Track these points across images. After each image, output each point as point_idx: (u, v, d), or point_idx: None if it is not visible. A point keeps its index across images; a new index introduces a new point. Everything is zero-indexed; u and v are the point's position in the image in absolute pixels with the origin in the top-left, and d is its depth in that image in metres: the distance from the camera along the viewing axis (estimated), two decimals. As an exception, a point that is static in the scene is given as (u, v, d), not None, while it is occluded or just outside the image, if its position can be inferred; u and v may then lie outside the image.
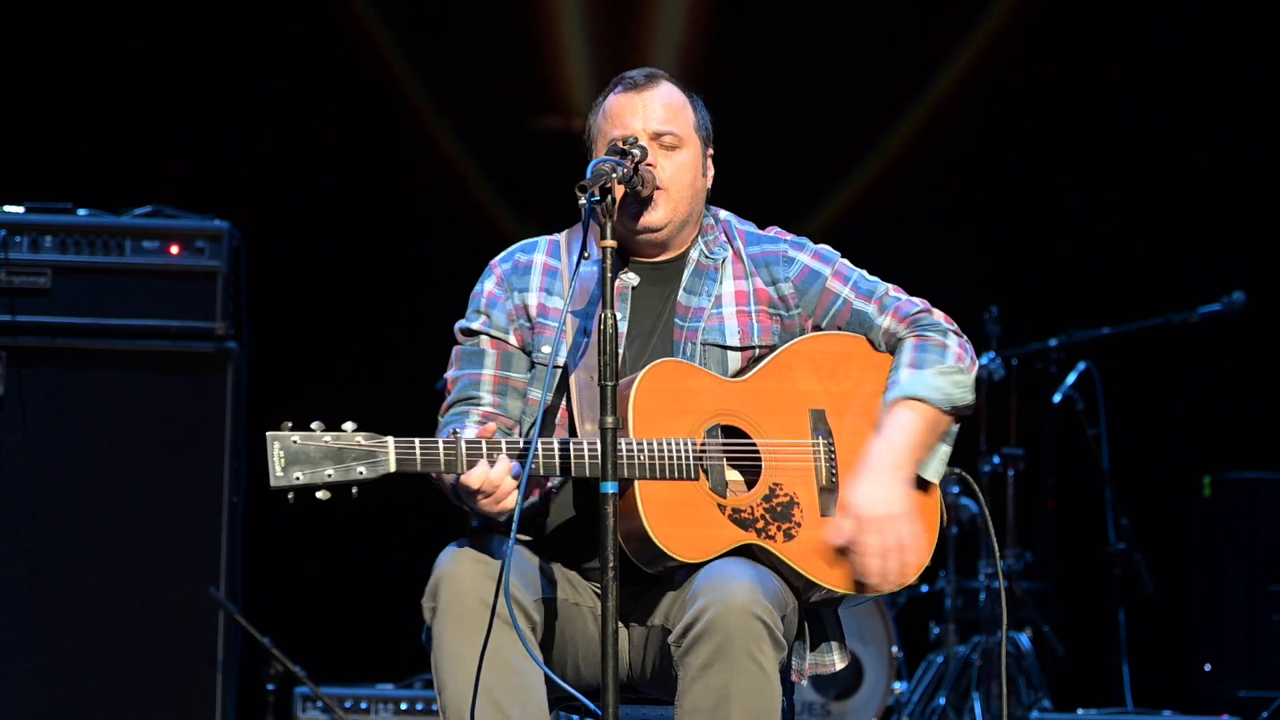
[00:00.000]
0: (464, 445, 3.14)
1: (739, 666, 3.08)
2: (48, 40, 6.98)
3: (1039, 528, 7.11)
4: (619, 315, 3.31)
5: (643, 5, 7.54)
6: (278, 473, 3.04)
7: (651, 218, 3.39)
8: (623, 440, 3.18)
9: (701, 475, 3.25)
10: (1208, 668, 6.90)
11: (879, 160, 7.63)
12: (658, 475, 3.20)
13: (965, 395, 3.37)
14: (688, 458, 3.23)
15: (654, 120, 3.40)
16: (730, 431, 3.32)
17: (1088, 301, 7.38)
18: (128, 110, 6.96)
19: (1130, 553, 6.90)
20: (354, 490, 3.08)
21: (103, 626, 5.32)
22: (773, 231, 3.55)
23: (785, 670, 3.31)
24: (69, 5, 7.00)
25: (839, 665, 3.42)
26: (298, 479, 3.05)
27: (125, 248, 5.45)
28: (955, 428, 3.39)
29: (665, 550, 3.17)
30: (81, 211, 5.51)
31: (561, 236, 3.54)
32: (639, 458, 3.19)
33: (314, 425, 3.07)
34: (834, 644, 3.43)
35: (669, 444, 3.22)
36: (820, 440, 3.34)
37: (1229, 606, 6.87)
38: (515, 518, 3.12)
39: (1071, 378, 6.93)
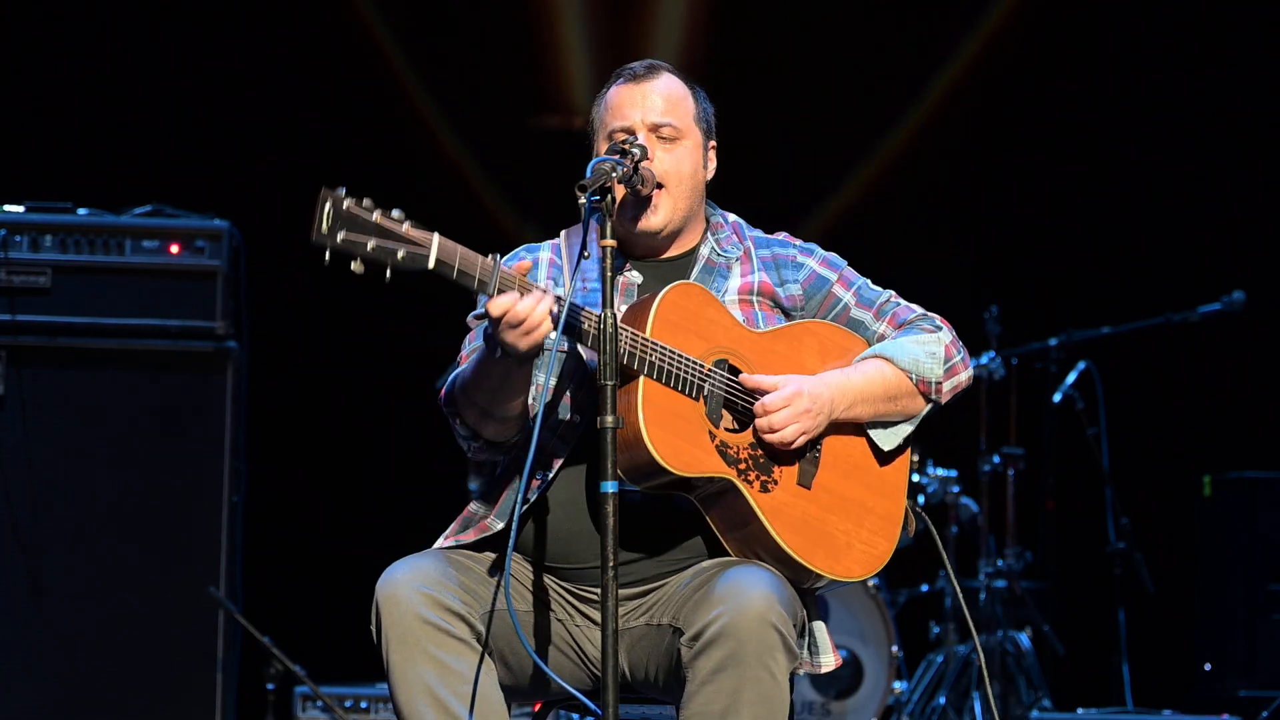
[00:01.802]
0: (500, 269, 3.08)
1: (751, 674, 3.07)
2: (47, 40, 6.98)
3: (1039, 528, 7.11)
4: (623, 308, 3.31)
5: (643, 5, 7.54)
6: (322, 229, 2.95)
7: (651, 221, 3.39)
8: (640, 334, 3.18)
9: (701, 399, 3.25)
10: (1208, 667, 6.90)
11: (879, 159, 7.64)
12: (663, 379, 3.19)
13: (934, 368, 3.40)
14: (695, 375, 3.23)
15: (653, 112, 3.39)
16: (733, 372, 3.33)
17: (1088, 301, 7.38)
18: (128, 110, 6.96)
19: (1130, 552, 6.90)
20: (388, 274, 3.00)
21: (103, 626, 5.32)
22: (782, 236, 3.57)
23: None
24: (69, 5, 7.00)
25: (826, 668, 3.38)
26: (341, 239, 2.96)
27: (125, 247, 5.45)
28: (924, 410, 3.43)
29: (651, 449, 3.12)
30: (81, 211, 5.51)
31: (562, 235, 3.54)
32: (651, 355, 3.18)
33: (365, 201, 2.99)
34: (820, 648, 3.39)
35: (681, 355, 3.22)
36: None
37: (1229, 606, 6.87)
38: (515, 518, 3.12)
39: (1071, 377, 6.93)
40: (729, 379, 3.29)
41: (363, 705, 5.89)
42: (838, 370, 3.38)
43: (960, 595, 3.53)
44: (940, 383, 3.41)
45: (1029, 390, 6.97)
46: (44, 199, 5.54)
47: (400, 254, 2.99)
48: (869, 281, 3.53)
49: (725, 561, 3.27)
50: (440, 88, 7.38)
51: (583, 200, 3.11)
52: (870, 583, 6.52)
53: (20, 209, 5.49)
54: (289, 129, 7.11)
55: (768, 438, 3.26)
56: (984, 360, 6.73)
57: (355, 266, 2.97)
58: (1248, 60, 7.47)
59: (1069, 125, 7.66)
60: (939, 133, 7.61)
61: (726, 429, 3.29)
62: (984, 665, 3.63)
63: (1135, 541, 6.92)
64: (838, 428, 3.36)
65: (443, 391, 3.36)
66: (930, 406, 3.43)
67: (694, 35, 7.49)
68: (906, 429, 3.42)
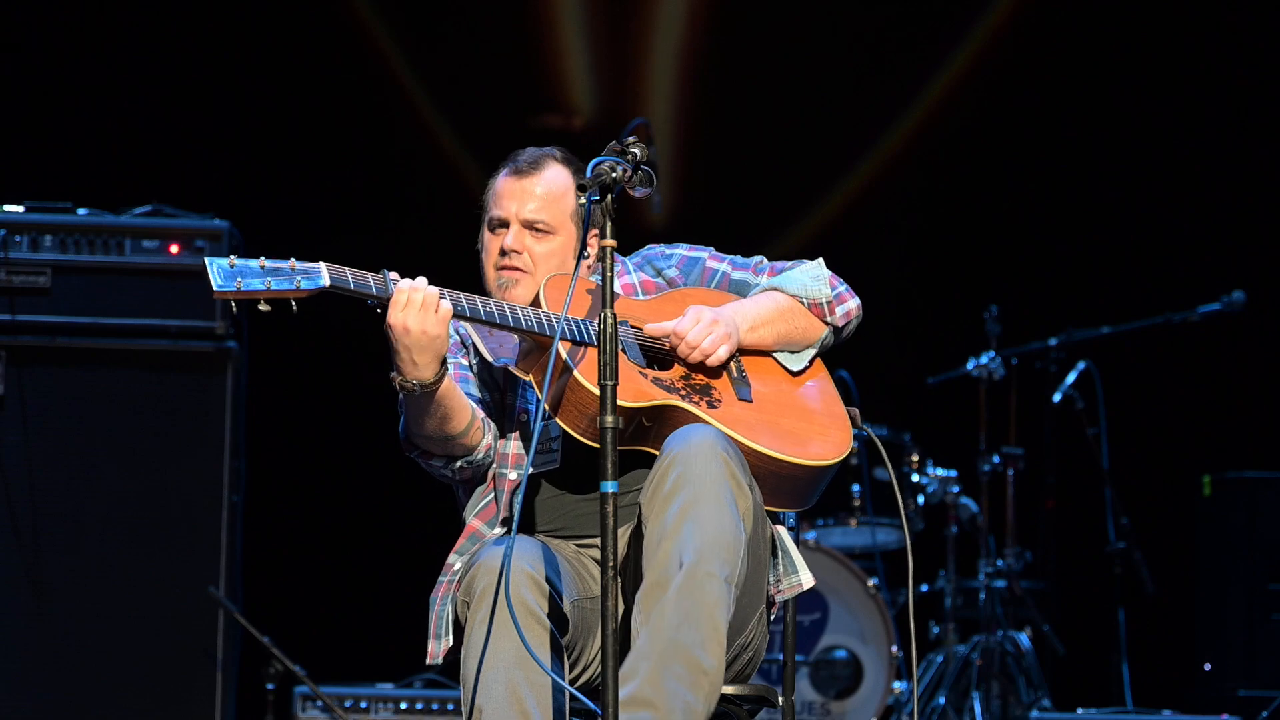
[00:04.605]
0: (389, 275, 3.26)
1: (704, 487, 3.16)
2: (48, 40, 6.97)
3: (1039, 527, 7.11)
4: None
5: (643, 5, 7.54)
6: (219, 282, 3.10)
7: (512, 294, 3.53)
8: (543, 311, 3.34)
9: (620, 350, 3.35)
10: (1208, 667, 6.90)
11: (879, 158, 7.64)
12: (579, 339, 3.32)
13: (821, 288, 3.58)
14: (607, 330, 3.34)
15: (526, 210, 3.56)
16: None
17: (1088, 301, 7.38)
18: (128, 110, 6.96)
19: (1130, 552, 6.90)
20: (293, 306, 3.15)
21: (103, 626, 5.32)
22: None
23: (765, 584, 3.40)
24: (69, 6, 7.00)
25: (807, 584, 3.47)
26: (239, 286, 3.11)
27: (125, 247, 5.45)
28: (823, 335, 3.59)
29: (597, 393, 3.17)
30: (81, 211, 5.51)
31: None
32: (560, 325, 3.29)
33: (244, 257, 3.16)
34: (797, 565, 3.49)
35: (584, 321, 3.36)
36: None
37: (1229, 606, 6.87)
38: (515, 515, 3.13)
39: (1071, 377, 6.93)
40: (636, 333, 3.44)
41: (362, 705, 5.89)
42: (731, 303, 3.56)
43: (912, 601, 3.60)
44: (831, 303, 3.58)
45: (1029, 390, 6.97)
46: (44, 199, 5.54)
47: (298, 280, 3.15)
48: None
49: None
50: (440, 87, 7.38)
51: (582, 200, 3.16)
52: (870, 583, 6.52)
53: (20, 209, 5.48)
54: (289, 129, 7.11)
55: (693, 357, 3.41)
56: (984, 360, 6.73)
57: (262, 306, 3.13)
58: (1248, 60, 7.47)
59: (1068, 125, 7.66)
60: (939, 132, 7.61)
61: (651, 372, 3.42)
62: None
63: (1135, 541, 6.92)
64: (751, 358, 3.51)
65: (402, 441, 3.46)
66: (828, 331, 3.59)
67: (694, 35, 7.49)
68: (811, 352, 3.59)
